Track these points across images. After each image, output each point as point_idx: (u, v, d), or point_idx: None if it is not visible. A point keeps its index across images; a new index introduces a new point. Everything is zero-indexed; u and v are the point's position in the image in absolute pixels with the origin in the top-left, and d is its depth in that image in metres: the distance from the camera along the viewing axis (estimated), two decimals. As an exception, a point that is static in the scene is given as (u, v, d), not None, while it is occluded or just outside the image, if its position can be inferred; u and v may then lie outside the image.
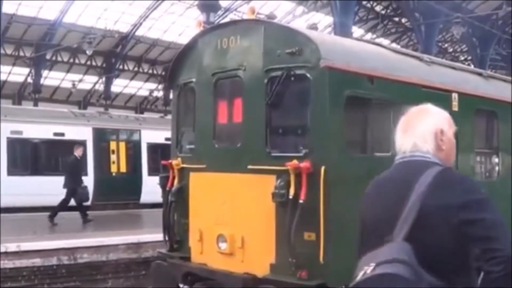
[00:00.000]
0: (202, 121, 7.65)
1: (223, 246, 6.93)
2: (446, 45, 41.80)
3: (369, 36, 35.72)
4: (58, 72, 37.82)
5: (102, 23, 31.94)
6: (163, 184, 8.02)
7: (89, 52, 29.74)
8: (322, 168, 6.08)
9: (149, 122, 23.71)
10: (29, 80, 35.61)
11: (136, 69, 40.35)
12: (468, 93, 8.29)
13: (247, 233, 6.77)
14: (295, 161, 6.21)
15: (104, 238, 12.52)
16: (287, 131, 6.96)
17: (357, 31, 33.90)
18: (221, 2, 19.86)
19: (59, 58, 35.98)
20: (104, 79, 38.20)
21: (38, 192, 18.49)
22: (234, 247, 6.85)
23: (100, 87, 38.99)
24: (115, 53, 37.34)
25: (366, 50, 7.61)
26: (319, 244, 6.06)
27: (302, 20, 27.82)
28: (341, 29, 21.96)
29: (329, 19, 30.43)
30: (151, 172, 21.14)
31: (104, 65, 38.22)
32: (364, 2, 32.60)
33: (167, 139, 13.51)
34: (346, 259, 6.18)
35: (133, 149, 22.68)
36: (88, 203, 16.75)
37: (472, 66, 25.12)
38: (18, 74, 36.33)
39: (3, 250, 10.99)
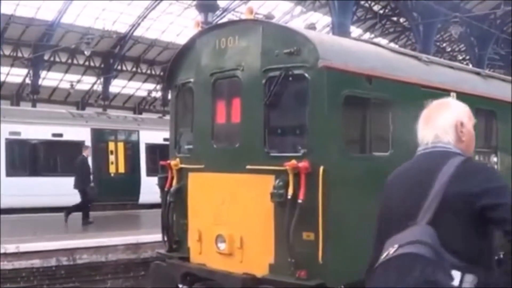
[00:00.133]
0: (201, 121, 7.64)
1: (222, 246, 6.93)
2: (444, 44, 41.82)
3: (367, 35, 35.74)
4: (56, 72, 37.75)
5: (100, 24, 31.93)
6: (161, 184, 8.00)
7: (87, 53, 29.68)
8: (321, 168, 6.08)
9: (148, 123, 23.70)
10: (27, 81, 35.62)
11: (134, 69, 40.29)
12: (467, 92, 8.28)
13: (246, 233, 6.77)
14: (293, 161, 6.21)
15: (103, 239, 12.49)
16: (285, 131, 6.96)
17: (355, 30, 33.90)
18: (219, 2, 19.85)
19: (57, 59, 35.92)
20: (102, 79, 38.17)
21: (37, 193, 18.50)
22: (233, 247, 6.84)
23: (98, 87, 38.97)
24: (113, 54, 37.29)
25: (364, 50, 7.61)
26: (317, 244, 6.07)
27: (300, 20, 27.89)
28: (339, 29, 21.98)
29: (327, 19, 30.46)
30: (150, 173, 21.13)
31: (102, 65, 38.14)
32: (362, 2, 32.60)
33: (165, 139, 13.51)
34: (345, 258, 6.24)
35: (132, 149, 22.68)
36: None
37: (470, 66, 25.12)
38: (16, 75, 36.28)
39: (2, 251, 10.96)
